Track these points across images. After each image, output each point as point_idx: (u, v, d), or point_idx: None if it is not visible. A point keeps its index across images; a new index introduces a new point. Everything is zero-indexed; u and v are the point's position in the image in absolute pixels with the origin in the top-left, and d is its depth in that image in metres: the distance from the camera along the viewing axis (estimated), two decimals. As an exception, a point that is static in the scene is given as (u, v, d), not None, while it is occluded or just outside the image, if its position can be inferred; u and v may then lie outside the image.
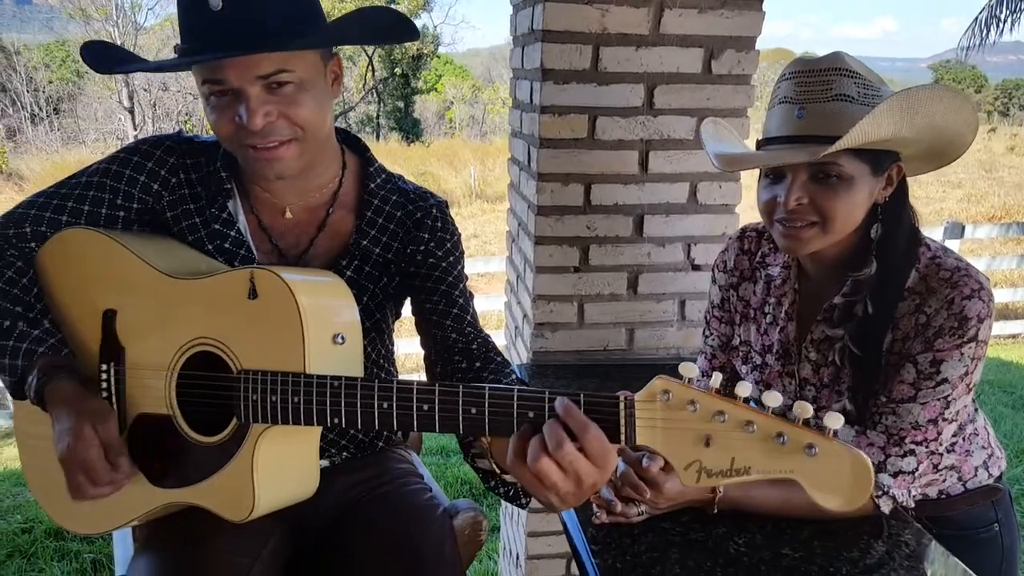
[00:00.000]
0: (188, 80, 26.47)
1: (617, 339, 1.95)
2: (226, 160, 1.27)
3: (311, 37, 1.13)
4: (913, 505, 1.29)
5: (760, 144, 1.33)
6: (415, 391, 0.99)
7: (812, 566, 1.17)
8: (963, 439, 1.40)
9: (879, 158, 1.24)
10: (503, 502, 2.44)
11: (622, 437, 0.90)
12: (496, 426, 0.95)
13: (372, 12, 1.17)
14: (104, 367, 1.19)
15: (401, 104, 32.67)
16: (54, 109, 30.20)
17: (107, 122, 28.55)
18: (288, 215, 1.29)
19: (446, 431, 1.00)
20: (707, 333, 1.60)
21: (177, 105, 27.61)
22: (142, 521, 1.23)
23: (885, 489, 1.25)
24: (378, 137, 29.42)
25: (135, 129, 26.34)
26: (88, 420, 1.08)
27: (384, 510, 1.32)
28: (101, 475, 1.08)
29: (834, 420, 0.81)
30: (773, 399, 0.83)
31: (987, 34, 8.55)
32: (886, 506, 1.26)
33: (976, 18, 8.84)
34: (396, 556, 1.23)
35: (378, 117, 32.32)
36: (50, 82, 30.52)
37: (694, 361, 1.65)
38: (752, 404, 0.86)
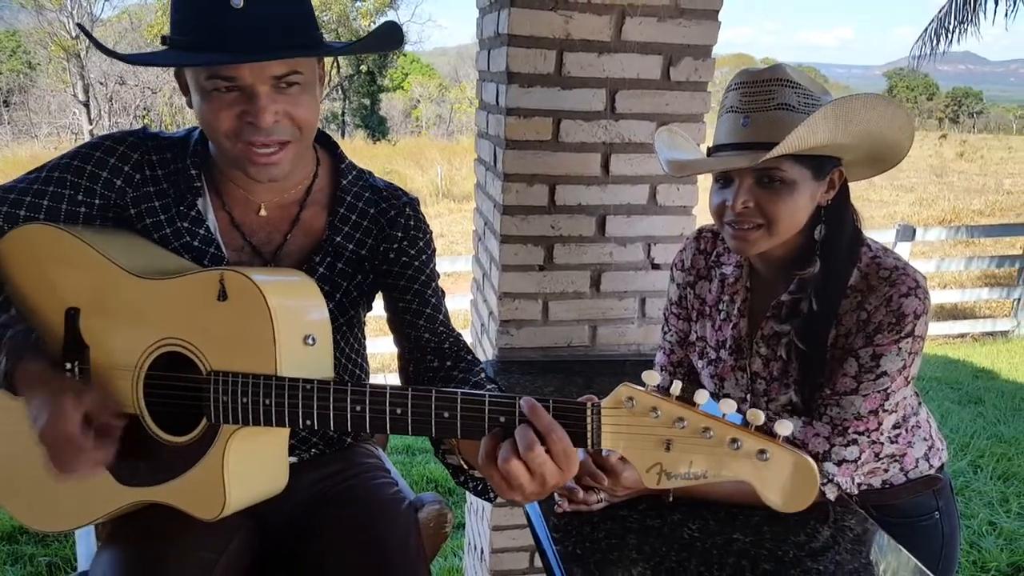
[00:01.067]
0: (146, 74, 25.94)
1: (581, 336, 2.00)
2: (196, 157, 1.27)
3: (326, 47, 1.15)
4: (856, 492, 1.36)
5: (710, 151, 1.39)
6: (388, 395, 1.01)
7: (762, 550, 1.23)
8: (906, 431, 1.47)
9: (820, 163, 1.30)
10: (468, 499, 2.48)
11: (588, 441, 0.94)
12: (468, 430, 0.98)
13: (386, 31, 1.18)
14: (68, 366, 1.16)
15: (367, 102, 32.46)
16: (4, 101, 29.38)
17: (61, 116, 27.86)
18: (263, 212, 1.28)
19: (418, 434, 1.02)
20: (666, 329, 1.66)
21: (135, 99, 27.05)
22: (107, 519, 1.22)
23: (830, 477, 1.32)
24: (343, 135, 29.15)
25: (90, 123, 25.74)
26: (66, 393, 1.06)
27: (350, 503, 1.34)
28: (85, 446, 1.06)
29: (784, 427, 0.87)
30: (729, 406, 0.89)
31: (936, 44, 8.83)
32: (831, 493, 1.33)
33: (926, 29, 9.12)
34: (362, 548, 1.24)
35: (343, 115, 32.06)
36: (0, 73, 29.69)
37: (654, 357, 1.72)
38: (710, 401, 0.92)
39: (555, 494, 1.30)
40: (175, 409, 1.13)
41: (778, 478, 0.89)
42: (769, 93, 1.29)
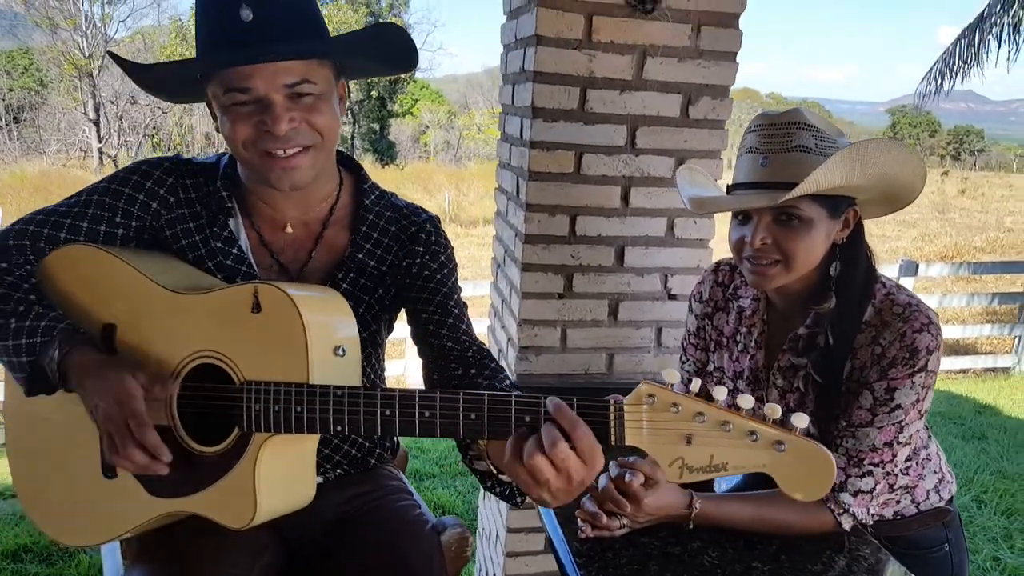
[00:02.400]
0: (157, 94, 26.20)
1: (598, 363, 2.04)
2: (226, 180, 1.32)
3: (331, 46, 1.20)
4: (871, 523, 1.39)
5: (730, 189, 1.44)
6: (417, 398, 1.04)
7: (780, 577, 1.26)
8: (916, 463, 1.51)
9: (836, 203, 1.36)
10: (480, 525, 2.51)
11: (612, 437, 0.97)
12: (495, 430, 1.01)
13: (389, 31, 1.21)
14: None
15: (376, 126, 32.75)
16: (14, 118, 29.66)
17: (70, 133, 28.11)
18: (289, 230, 1.33)
19: (447, 436, 1.05)
20: (683, 359, 1.70)
21: (144, 119, 27.33)
22: (137, 532, 1.23)
23: (846, 507, 1.35)
24: (351, 159, 29.33)
25: (99, 141, 25.97)
26: (126, 371, 1.09)
27: (375, 524, 1.36)
28: (147, 421, 1.07)
29: (800, 420, 0.91)
30: (746, 401, 0.93)
31: (941, 83, 8.97)
32: (847, 523, 1.36)
33: (931, 68, 9.26)
34: (387, 569, 1.26)
35: (353, 138, 32.35)
36: (11, 90, 30.00)
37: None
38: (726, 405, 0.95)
39: (579, 520, 1.33)
40: (208, 420, 1.16)
41: (795, 468, 0.92)
42: (787, 135, 1.34)
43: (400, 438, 1.63)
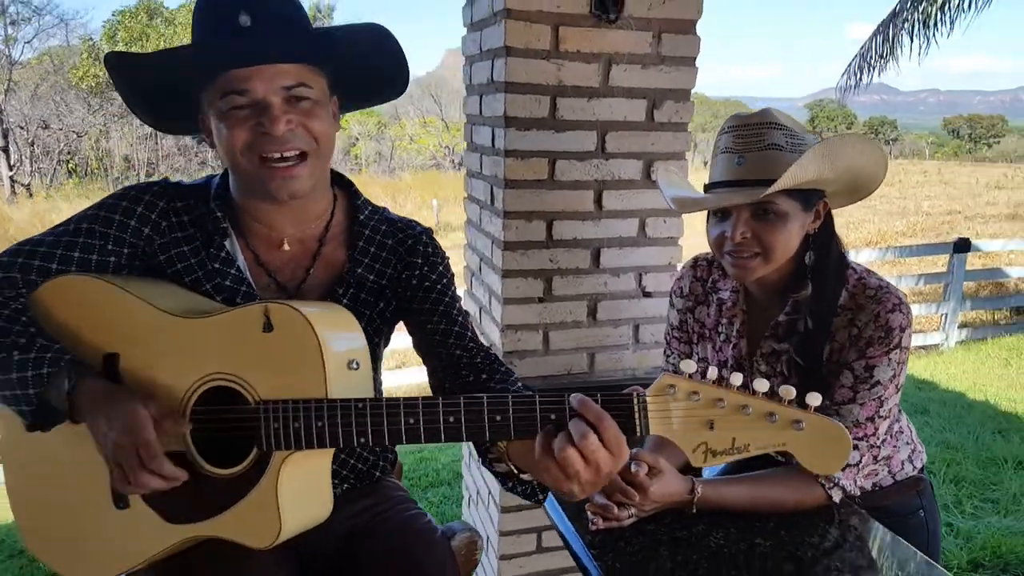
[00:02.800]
0: (71, 118, 25.21)
1: (580, 363, 2.10)
2: (219, 200, 1.32)
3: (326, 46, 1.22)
4: (859, 493, 1.48)
5: (707, 188, 1.52)
6: (441, 405, 1.06)
7: (782, 552, 1.33)
8: (891, 436, 1.61)
9: (808, 196, 1.44)
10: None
11: (637, 428, 1.01)
12: (521, 430, 1.04)
13: (378, 29, 1.23)
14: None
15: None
16: (-84, 149, 28.14)
17: (-24, 162, 26.82)
18: (285, 247, 1.33)
19: (472, 439, 1.09)
20: (668, 352, 1.77)
21: (58, 143, 26.28)
22: (153, 561, 1.21)
23: (836, 481, 1.44)
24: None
25: (10, 169, 24.83)
26: (135, 401, 1.09)
27: (388, 535, 1.37)
28: (159, 450, 1.08)
29: (814, 399, 0.98)
30: (762, 385, 0.99)
31: (860, 77, 9.41)
32: (837, 496, 1.45)
33: (850, 64, 9.71)
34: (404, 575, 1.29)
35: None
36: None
37: (648, 381, 1.82)
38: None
39: (589, 513, 1.38)
40: (222, 443, 1.16)
41: (814, 444, 0.98)
42: (760, 135, 1.43)
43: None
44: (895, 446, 1.62)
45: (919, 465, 1.67)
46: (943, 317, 7.25)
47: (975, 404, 5.25)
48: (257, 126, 1.17)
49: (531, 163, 1.92)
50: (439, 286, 1.41)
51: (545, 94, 1.90)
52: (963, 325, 7.73)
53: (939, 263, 8.19)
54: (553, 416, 1.04)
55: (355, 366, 1.16)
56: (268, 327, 1.12)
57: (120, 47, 23.63)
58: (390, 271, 1.39)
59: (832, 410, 1.44)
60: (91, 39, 26.41)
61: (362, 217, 1.39)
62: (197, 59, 1.19)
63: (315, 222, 1.36)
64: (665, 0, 1.90)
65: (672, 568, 1.29)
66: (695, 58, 1.98)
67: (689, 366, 1.01)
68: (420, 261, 1.40)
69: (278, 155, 1.18)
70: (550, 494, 1.49)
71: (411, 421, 1.08)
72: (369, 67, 1.29)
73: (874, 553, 1.38)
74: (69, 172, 26.56)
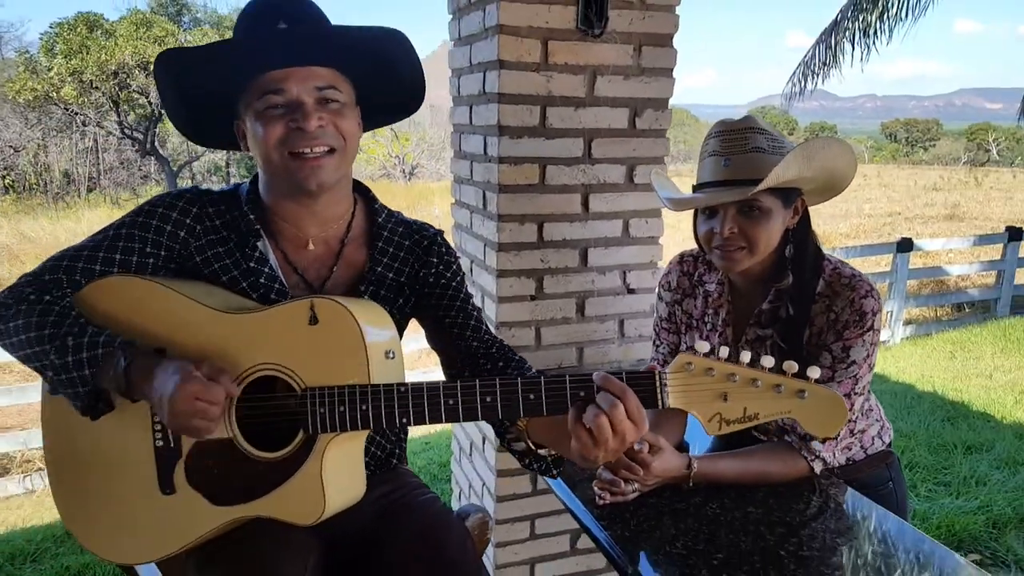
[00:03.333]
0: (7, 133, 24.43)
1: (569, 357, 2.22)
2: (250, 204, 1.40)
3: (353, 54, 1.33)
4: (839, 464, 1.63)
5: (695, 188, 1.65)
6: (478, 385, 1.18)
7: (773, 518, 1.47)
8: (863, 413, 1.76)
9: (788, 194, 1.59)
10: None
11: (659, 402, 1.15)
12: (553, 406, 1.17)
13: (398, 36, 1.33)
14: None
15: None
16: None
17: None
18: (311, 247, 1.42)
19: (508, 418, 1.21)
20: (657, 343, 1.90)
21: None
22: (198, 543, 1.28)
23: (817, 453, 1.58)
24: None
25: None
26: (183, 362, 1.17)
27: (409, 516, 1.46)
28: (216, 392, 1.15)
29: (814, 372, 1.12)
30: (768, 361, 1.13)
31: (804, 84, 9.81)
32: (818, 467, 1.59)
33: (794, 72, 10.12)
34: (428, 556, 1.37)
35: (228, 166, 31.34)
36: None
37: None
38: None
39: (596, 489, 1.50)
40: (268, 428, 1.25)
41: (815, 411, 1.12)
42: (745, 139, 1.57)
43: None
44: (867, 422, 1.77)
45: (887, 440, 1.83)
46: (889, 314, 7.58)
47: (924, 395, 5.53)
48: (291, 122, 1.27)
49: (523, 169, 2.04)
50: (454, 283, 1.52)
51: (535, 104, 2.01)
52: (908, 322, 8.10)
53: (882, 263, 8.54)
54: (582, 393, 1.16)
55: (391, 356, 1.27)
56: (314, 320, 1.22)
57: (59, 59, 23.04)
58: (408, 269, 1.49)
59: (800, 371, 1.58)
60: (27, 52, 25.69)
61: (380, 220, 1.48)
62: (245, 49, 1.28)
63: (337, 223, 1.45)
64: (645, 16, 2.04)
65: (675, 535, 1.41)
66: (672, 69, 2.12)
67: (703, 346, 1.14)
68: (436, 260, 1.50)
69: (308, 150, 1.28)
70: (559, 478, 1.60)
71: (450, 402, 1.19)
72: (394, 78, 1.39)
73: (854, 517, 1.52)
74: (7, 188, 25.72)
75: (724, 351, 1.14)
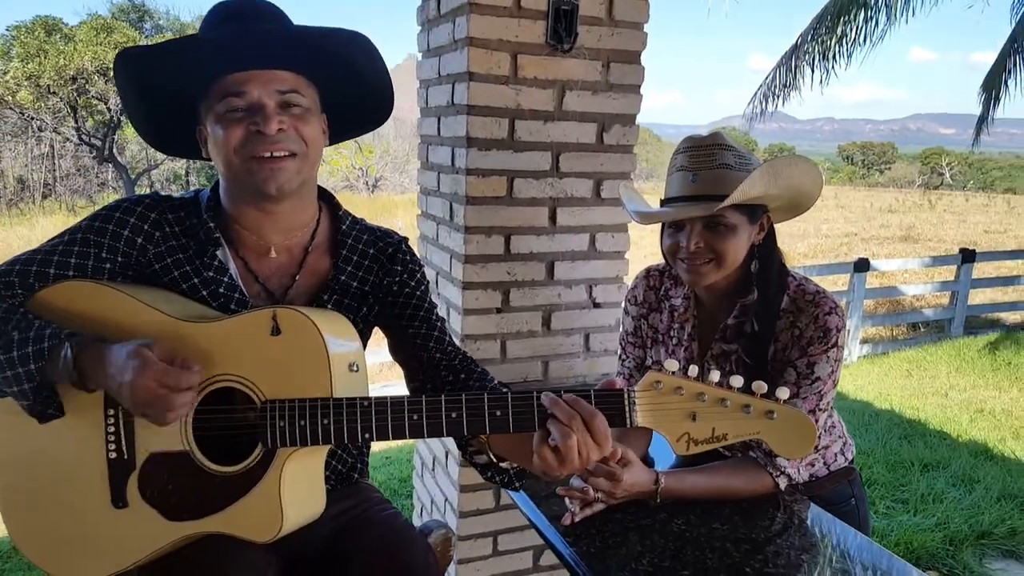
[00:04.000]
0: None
1: (534, 371, 2.20)
2: (210, 211, 1.37)
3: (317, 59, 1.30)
4: (803, 480, 1.63)
5: (663, 202, 1.66)
6: (443, 401, 1.16)
7: (738, 534, 1.46)
8: (825, 430, 1.77)
9: (754, 210, 1.60)
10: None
11: (627, 420, 1.14)
12: (519, 424, 1.15)
13: (361, 40, 1.31)
14: (111, 411, 1.21)
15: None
16: None
17: None
18: (273, 254, 1.38)
19: (473, 433, 1.18)
20: (623, 357, 1.89)
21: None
22: (151, 559, 1.24)
23: (782, 469, 1.58)
24: (188, 195, 27.95)
25: None
26: (138, 347, 1.12)
27: (371, 532, 1.43)
28: (180, 378, 1.10)
29: (783, 392, 1.12)
30: (737, 381, 1.12)
31: (765, 106, 10.00)
32: (783, 483, 1.59)
33: (755, 93, 10.30)
34: (390, 572, 1.33)
35: (187, 175, 30.88)
36: None
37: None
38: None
39: (566, 500, 1.48)
40: (224, 441, 1.21)
41: (784, 432, 1.12)
42: (712, 156, 1.58)
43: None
44: (831, 438, 1.78)
45: (850, 457, 1.84)
46: (847, 332, 7.72)
47: (881, 412, 5.63)
48: (251, 125, 1.24)
49: (491, 181, 2.03)
50: (418, 292, 1.50)
51: (504, 116, 2.01)
52: (864, 340, 8.25)
53: (839, 282, 8.71)
54: (552, 412, 1.14)
55: (355, 368, 1.23)
56: (276, 331, 1.18)
57: (15, 63, 22.54)
58: (372, 278, 1.46)
59: (769, 391, 1.58)
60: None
61: (344, 227, 1.46)
62: (206, 48, 1.25)
63: (301, 231, 1.41)
64: (614, 32, 2.05)
65: (641, 551, 1.40)
66: (640, 85, 2.13)
67: (672, 364, 1.13)
68: (400, 268, 1.48)
69: (268, 154, 1.25)
70: (523, 493, 1.58)
71: (415, 417, 1.16)
72: (359, 83, 1.37)
73: (817, 533, 1.52)
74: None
75: (693, 370, 1.13)
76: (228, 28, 1.24)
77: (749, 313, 1.63)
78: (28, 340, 1.16)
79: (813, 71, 8.98)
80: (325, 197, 1.50)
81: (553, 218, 2.12)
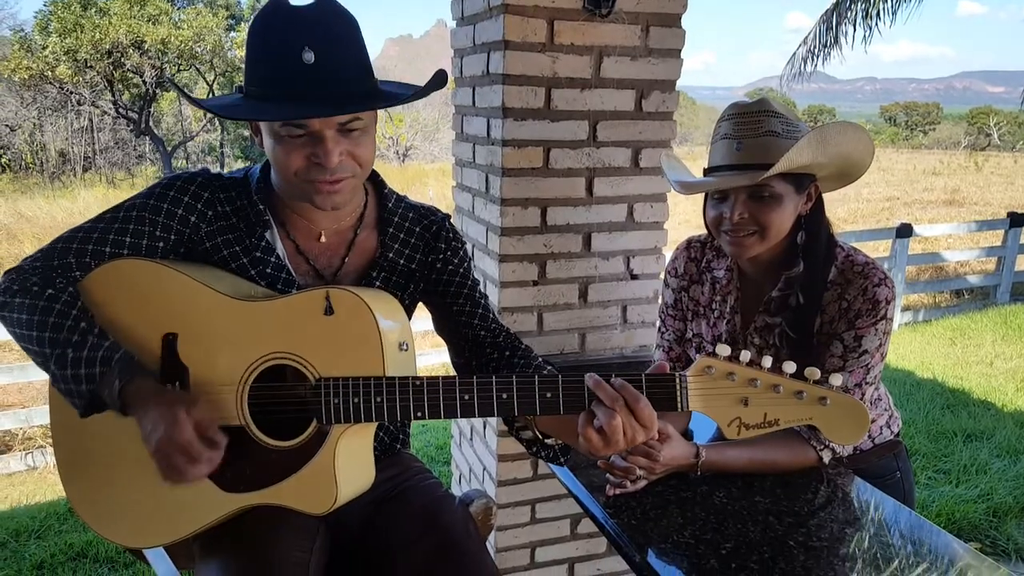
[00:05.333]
0: (2, 111, 24.22)
1: (571, 343, 2.19)
2: (260, 193, 1.38)
3: (386, 96, 1.27)
4: (847, 455, 1.61)
5: (706, 172, 1.62)
6: (495, 382, 1.16)
7: (781, 507, 1.45)
8: (871, 403, 1.74)
9: (801, 179, 1.55)
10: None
11: (679, 405, 1.13)
12: (569, 405, 1.15)
13: (439, 79, 1.31)
14: (169, 386, 1.24)
15: (247, 132, 31.64)
16: None
17: None
18: (323, 239, 1.40)
19: (523, 413, 1.19)
20: (663, 330, 1.87)
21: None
22: (207, 528, 1.27)
23: (826, 443, 1.56)
24: (222, 166, 28.31)
25: None
26: (178, 404, 1.14)
27: (412, 501, 1.46)
28: (200, 452, 1.13)
29: (836, 379, 1.10)
30: (790, 367, 1.10)
31: (804, 66, 9.73)
32: (827, 457, 1.57)
33: (794, 53, 10.03)
34: (430, 539, 1.37)
35: (222, 146, 31.20)
36: None
37: (636, 359, 1.92)
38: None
39: (608, 476, 1.48)
40: (279, 417, 1.24)
41: (837, 418, 1.11)
42: (758, 123, 1.53)
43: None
44: (876, 411, 1.75)
45: (896, 430, 1.81)
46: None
47: (923, 382, 5.53)
48: (312, 156, 1.23)
49: (527, 152, 2.00)
50: (461, 269, 1.50)
51: (540, 85, 1.97)
52: (906, 308, 8.09)
53: (881, 248, 8.53)
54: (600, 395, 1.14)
55: (405, 347, 1.25)
56: (329, 311, 1.20)
57: (53, 38, 22.83)
58: (419, 256, 1.47)
59: (822, 378, 1.56)
60: (22, 30, 25.46)
61: (390, 205, 1.46)
62: (266, 114, 1.22)
63: (350, 215, 1.43)
64: (653, -5, 2.00)
65: (683, 524, 1.39)
66: (680, 50, 2.08)
67: (724, 349, 1.12)
68: (443, 246, 1.48)
69: (328, 179, 1.25)
70: (566, 468, 1.59)
71: (466, 397, 1.17)
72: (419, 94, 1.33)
73: (860, 507, 1.50)
74: (3, 167, 25.57)
75: (745, 355, 1.11)
76: (289, 63, 1.17)
77: (794, 286, 1.60)
78: (81, 361, 1.18)
79: (855, 28, 8.70)
80: (371, 176, 1.50)
81: (590, 189, 2.09)
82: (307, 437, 1.22)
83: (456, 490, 2.67)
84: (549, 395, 1.15)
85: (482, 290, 1.53)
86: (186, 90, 1.32)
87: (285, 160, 1.24)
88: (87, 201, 16.49)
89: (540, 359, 1.44)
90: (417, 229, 1.47)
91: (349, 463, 1.24)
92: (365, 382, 1.19)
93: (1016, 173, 25.42)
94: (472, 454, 2.43)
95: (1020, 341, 6.68)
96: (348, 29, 1.21)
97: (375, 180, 1.49)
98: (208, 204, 1.35)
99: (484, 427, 2.29)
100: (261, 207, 1.37)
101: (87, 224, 1.32)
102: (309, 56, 1.15)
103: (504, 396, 1.16)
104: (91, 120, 26.78)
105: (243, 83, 1.25)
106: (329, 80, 1.18)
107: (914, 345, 6.71)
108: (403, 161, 29.82)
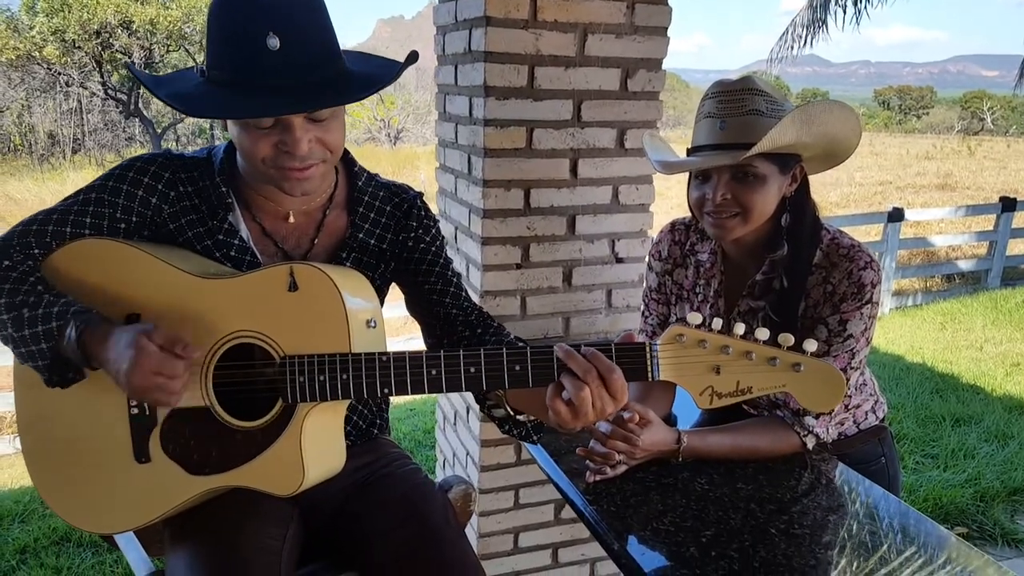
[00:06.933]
0: (-7, 92, 24.01)
1: (555, 327, 2.16)
2: (223, 175, 1.34)
3: (363, 85, 1.21)
4: (831, 440, 1.58)
5: (690, 151, 1.58)
6: (462, 356, 1.14)
7: (763, 494, 1.43)
8: (856, 388, 1.72)
9: (785, 160, 1.52)
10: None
11: (649, 375, 1.11)
12: (538, 378, 1.13)
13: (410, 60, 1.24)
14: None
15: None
16: None
17: None
18: (291, 220, 1.37)
19: (492, 388, 1.17)
20: (646, 314, 1.84)
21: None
22: (174, 512, 1.25)
23: (810, 428, 1.54)
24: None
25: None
26: (138, 332, 1.11)
27: (390, 488, 1.44)
28: (174, 367, 1.10)
29: (810, 345, 1.07)
30: (763, 333, 1.07)
31: (792, 48, 9.66)
32: (811, 442, 1.55)
33: (783, 34, 9.95)
34: (408, 526, 1.35)
35: (212, 128, 30.91)
36: None
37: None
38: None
39: (587, 462, 1.45)
40: (245, 397, 1.21)
41: (811, 385, 1.08)
42: (742, 101, 1.49)
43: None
44: (862, 397, 1.73)
45: (881, 415, 1.79)
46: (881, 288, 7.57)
47: (913, 366, 5.53)
48: (280, 144, 1.19)
49: (510, 132, 1.96)
50: (433, 248, 1.47)
51: (523, 63, 1.92)
52: (897, 292, 8.09)
53: (872, 232, 8.51)
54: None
55: (373, 324, 1.23)
56: (293, 287, 1.17)
57: (40, 18, 22.52)
58: (390, 235, 1.44)
59: (796, 344, 1.53)
60: (9, 10, 25.10)
61: (360, 183, 1.43)
62: (231, 111, 1.17)
63: (320, 196, 1.39)
64: (639, -30, 1.95)
65: (663, 511, 1.37)
66: (667, 28, 2.03)
67: (695, 317, 1.08)
68: (415, 224, 1.45)
69: (297, 166, 1.22)
70: (542, 449, 1.56)
71: (433, 372, 1.15)
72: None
73: (844, 493, 1.48)
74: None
75: (717, 323, 1.08)
76: (252, 49, 1.11)
77: (779, 269, 1.57)
78: (37, 318, 1.16)
79: (845, 11, 8.63)
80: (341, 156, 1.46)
81: (574, 170, 2.05)
82: (273, 417, 1.20)
83: (440, 475, 2.64)
84: (518, 368, 1.13)
85: (455, 269, 1.50)
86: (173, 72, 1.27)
87: (252, 148, 1.21)
88: (76, 183, 16.33)
89: (513, 336, 1.41)
90: (388, 208, 1.44)
91: (317, 443, 1.21)
92: (331, 358, 1.16)
93: (1009, 157, 25.46)
94: (456, 439, 2.40)
95: (1010, 325, 6.69)
96: (312, 11, 1.17)
97: (346, 159, 1.46)
98: (169, 185, 1.32)
99: (467, 412, 2.26)
100: (224, 189, 1.34)
101: (48, 208, 1.30)
102: (274, 42, 1.11)
103: (472, 370, 1.14)
104: (80, 101, 26.48)
105: (204, 64, 1.21)
106: (296, 67, 1.14)
107: (904, 329, 6.71)
108: (395, 144, 29.63)
